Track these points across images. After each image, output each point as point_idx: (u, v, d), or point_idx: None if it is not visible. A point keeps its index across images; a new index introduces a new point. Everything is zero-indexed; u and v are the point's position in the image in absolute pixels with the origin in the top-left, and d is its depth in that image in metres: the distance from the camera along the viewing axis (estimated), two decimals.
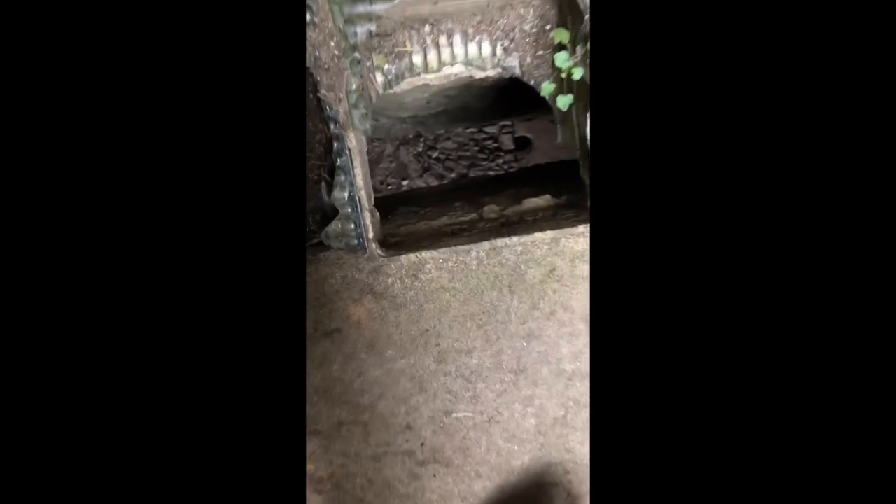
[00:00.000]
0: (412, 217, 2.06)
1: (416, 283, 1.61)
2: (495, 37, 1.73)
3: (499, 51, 1.75)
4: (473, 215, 1.94)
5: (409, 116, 2.96)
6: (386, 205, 2.40)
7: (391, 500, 1.57)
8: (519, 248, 1.62)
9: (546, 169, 3.07)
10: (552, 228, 1.62)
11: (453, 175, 3.48)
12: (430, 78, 1.80)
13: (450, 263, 1.61)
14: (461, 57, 1.75)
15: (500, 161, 3.51)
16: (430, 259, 1.60)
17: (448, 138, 3.52)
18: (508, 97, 2.60)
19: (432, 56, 1.74)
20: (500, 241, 1.61)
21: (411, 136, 3.50)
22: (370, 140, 3.38)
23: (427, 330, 1.61)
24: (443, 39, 1.72)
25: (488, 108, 2.96)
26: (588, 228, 1.58)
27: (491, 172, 3.47)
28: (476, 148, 3.51)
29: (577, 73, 1.49)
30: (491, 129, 3.49)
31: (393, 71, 1.74)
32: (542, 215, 1.82)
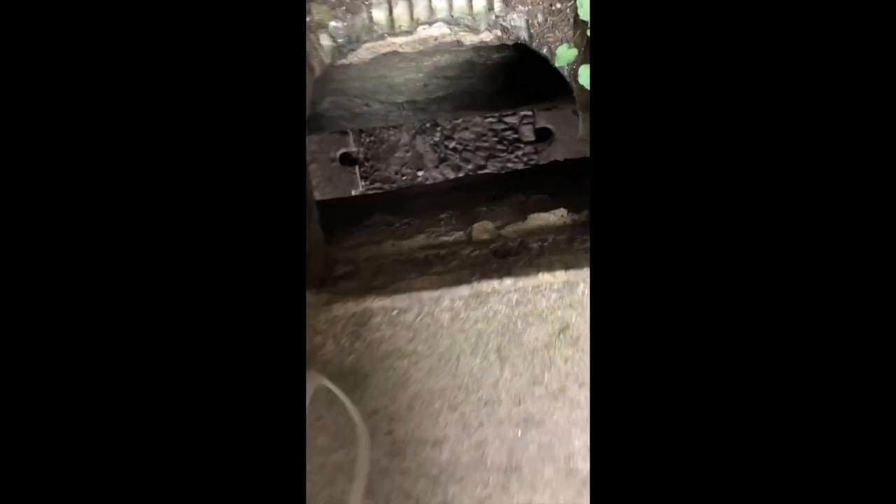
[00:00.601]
0: (380, 232, 1.56)
1: (357, 345, 1.19)
2: None
3: (497, 4, 1.25)
4: (460, 234, 1.45)
5: (407, 102, 2.76)
6: (359, 210, 1.94)
7: None
8: (514, 297, 1.18)
9: (565, 167, 2.62)
10: (565, 266, 1.17)
11: (470, 167, 3.40)
12: (399, 43, 1.31)
13: (409, 316, 1.17)
14: (443, 12, 1.27)
15: (520, 153, 3.39)
16: (380, 310, 1.15)
17: (466, 128, 3.40)
18: (523, 80, 2.29)
19: (401, 9, 1.25)
20: (486, 285, 1.14)
21: (428, 125, 3.39)
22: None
23: (375, 412, 1.22)
24: None
25: (499, 94, 2.61)
26: None
27: (510, 164, 3.35)
28: (495, 139, 3.39)
29: None
30: (511, 120, 3.36)
31: (342, 31, 1.23)
32: (552, 240, 1.32)
